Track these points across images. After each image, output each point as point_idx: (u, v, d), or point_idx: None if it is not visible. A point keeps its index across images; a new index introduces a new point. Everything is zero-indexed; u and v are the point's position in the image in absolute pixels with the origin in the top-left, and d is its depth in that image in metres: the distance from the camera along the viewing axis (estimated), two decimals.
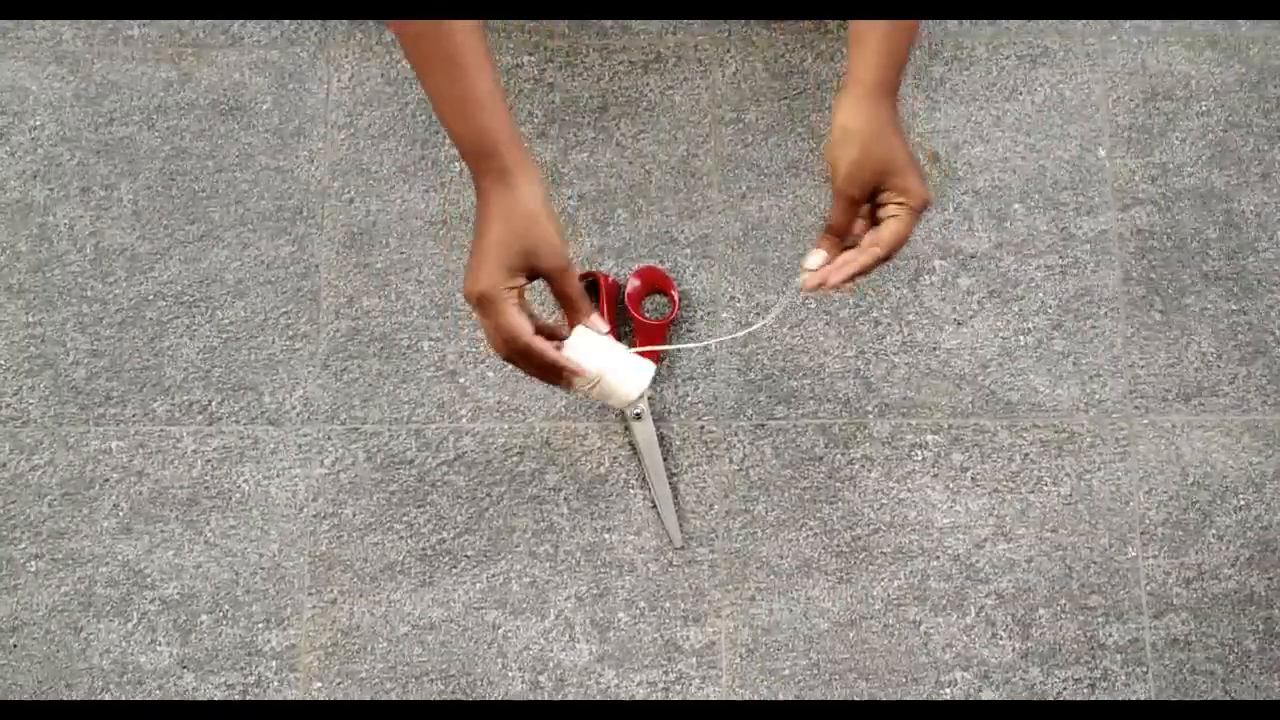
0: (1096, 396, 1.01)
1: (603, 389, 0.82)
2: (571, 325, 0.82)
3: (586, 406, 1.01)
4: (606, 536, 0.99)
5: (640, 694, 0.96)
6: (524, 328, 0.77)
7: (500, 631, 0.97)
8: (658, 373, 0.94)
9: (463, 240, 1.03)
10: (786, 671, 0.97)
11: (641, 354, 0.85)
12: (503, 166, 0.77)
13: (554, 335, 0.81)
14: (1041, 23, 1.07)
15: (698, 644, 0.97)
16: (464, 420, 1.00)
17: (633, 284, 1.01)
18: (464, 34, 0.76)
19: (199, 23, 1.07)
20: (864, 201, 0.80)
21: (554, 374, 0.80)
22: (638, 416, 0.99)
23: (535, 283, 0.79)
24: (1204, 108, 1.06)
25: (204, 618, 0.97)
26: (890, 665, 0.97)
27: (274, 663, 0.97)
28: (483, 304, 0.77)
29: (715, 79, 1.06)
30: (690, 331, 1.02)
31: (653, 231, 1.03)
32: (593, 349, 0.82)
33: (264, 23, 1.07)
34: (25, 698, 0.96)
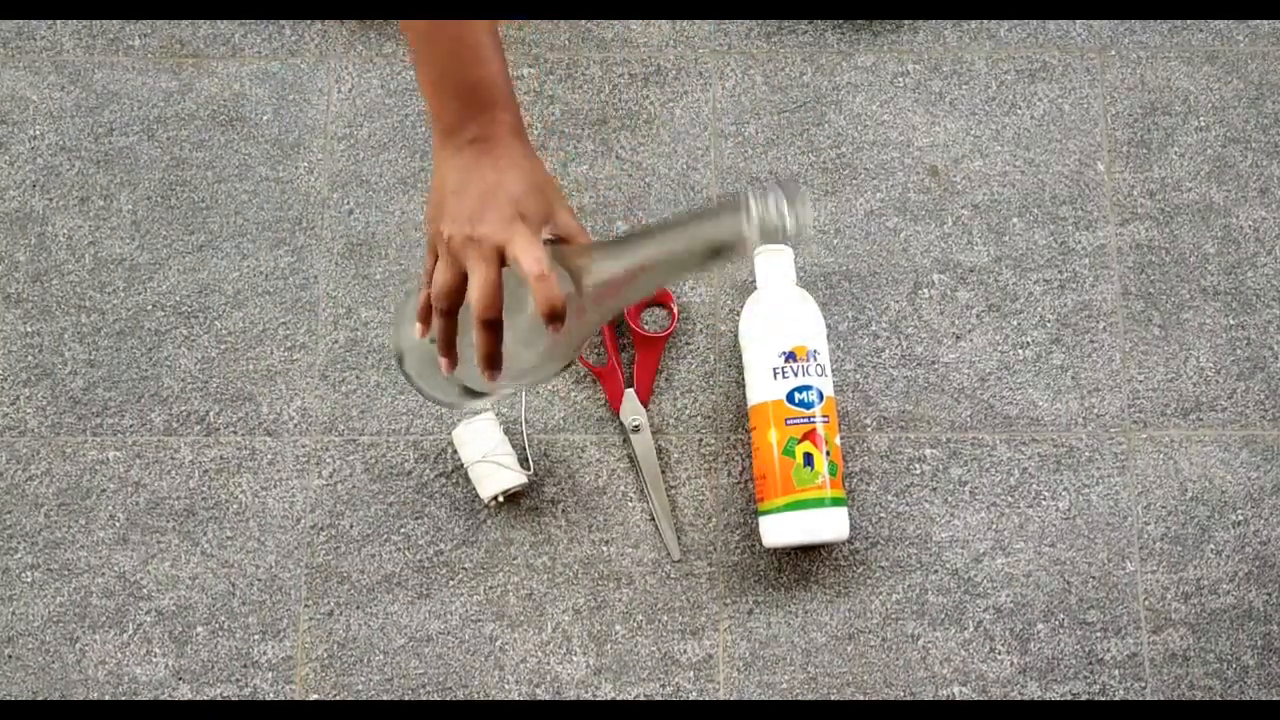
0: (1095, 411, 1.01)
1: (473, 474, 0.95)
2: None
3: (585, 419, 1.00)
4: (604, 549, 0.99)
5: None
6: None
7: (497, 644, 0.97)
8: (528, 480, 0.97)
9: None
10: (784, 685, 0.97)
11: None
12: (516, 120, 0.73)
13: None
14: (1040, 37, 1.08)
15: (695, 657, 0.97)
16: None
17: None
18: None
19: (199, 33, 1.07)
20: None
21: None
22: (636, 429, 0.99)
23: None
24: (1202, 123, 1.06)
25: (200, 629, 0.97)
26: (888, 679, 0.97)
27: (270, 674, 0.96)
28: (517, 234, 0.69)
29: (715, 92, 1.06)
30: (689, 344, 1.02)
31: None
32: (477, 440, 0.94)
33: (264, 33, 1.07)
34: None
